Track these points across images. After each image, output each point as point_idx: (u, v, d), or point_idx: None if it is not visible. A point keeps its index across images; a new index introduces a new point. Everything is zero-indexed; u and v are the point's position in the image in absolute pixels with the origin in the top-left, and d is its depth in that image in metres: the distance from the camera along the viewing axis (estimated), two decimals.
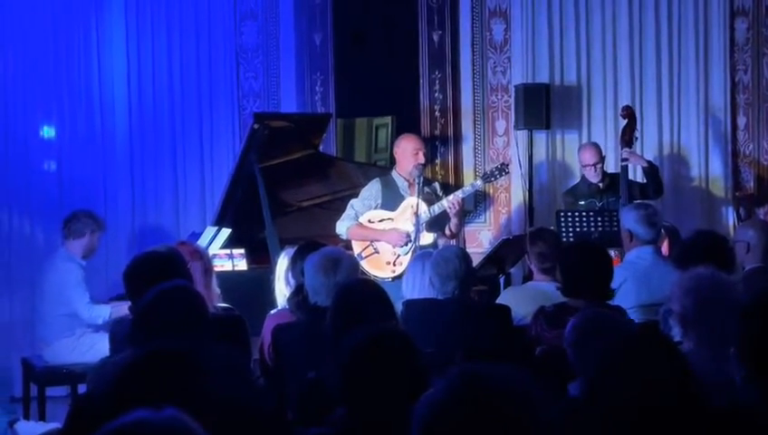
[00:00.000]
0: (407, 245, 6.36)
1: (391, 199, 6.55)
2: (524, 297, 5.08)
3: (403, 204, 6.51)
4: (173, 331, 3.16)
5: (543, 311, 4.45)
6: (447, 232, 6.56)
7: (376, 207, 6.56)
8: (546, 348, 4.29)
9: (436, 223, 6.48)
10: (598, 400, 2.41)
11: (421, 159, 6.52)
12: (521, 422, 1.87)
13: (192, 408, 2.09)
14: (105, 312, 6.37)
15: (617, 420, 2.39)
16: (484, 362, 1.98)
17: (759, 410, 2.89)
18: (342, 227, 6.55)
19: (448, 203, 6.38)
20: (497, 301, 5.31)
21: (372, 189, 6.62)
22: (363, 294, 3.85)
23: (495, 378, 1.90)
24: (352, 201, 6.64)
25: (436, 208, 6.41)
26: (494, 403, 1.86)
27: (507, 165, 6.95)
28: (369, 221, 6.54)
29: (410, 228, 6.37)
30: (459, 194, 6.48)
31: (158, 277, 3.53)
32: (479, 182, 6.90)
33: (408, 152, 6.56)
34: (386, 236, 6.45)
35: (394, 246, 6.42)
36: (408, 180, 6.54)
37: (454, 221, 6.46)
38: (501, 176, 6.82)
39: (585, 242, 5.75)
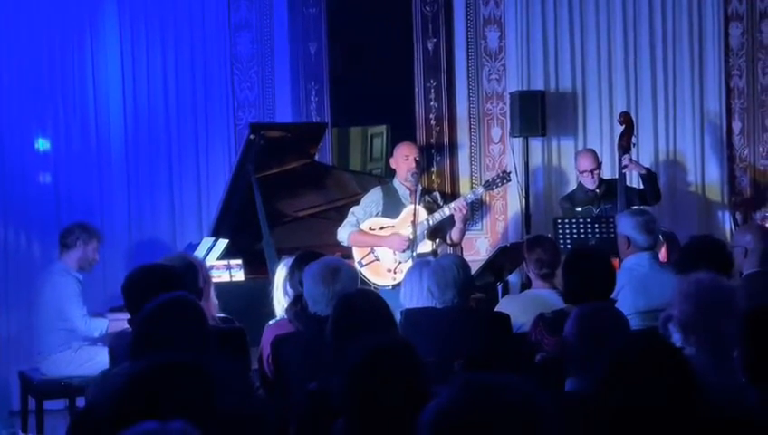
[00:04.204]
0: (409, 249, 6.36)
1: (392, 207, 6.55)
2: (523, 305, 5.07)
3: (404, 212, 6.50)
4: (173, 343, 3.15)
5: (543, 317, 4.44)
6: (449, 240, 6.55)
7: (377, 215, 6.56)
8: (546, 355, 4.28)
9: (438, 230, 6.47)
10: (605, 399, 2.43)
11: (412, 164, 6.50)
12: (527, 431, 1.87)
13: (196, 420, 2.08)
14: (102, 325, 6.34)
15: (621, 421, 2.40)
16: (487, 371, 1.98)
17: (760, 413, 2.89)
18: (344, 233, 6.54)
19: (454, 206, 6.35)
20: (496, 309, 5.30)
21: (374, 196, 6.62)
22: (363, 304, 3.84)
23: (501, 387, 1.89)
24: (353, 208, 6.64)
25: (437, 216, 6.40)
26: (500, 413, 1.86)
27: (509, 173, 6.86)
28: (371, 229, 6.54)
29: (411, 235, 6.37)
30: (463, 200, 6.47)
31: (157, 290, 3.52)
32: (481, 190, 6.89)
33: (399, 159, 6.57)
34: (387, 241, 6.45)
35: (395, 251, 6.42)
36: (409, 188, 6.53)
37: (459, 226, 6.43)
38: (503, 184, 6.80)
39: (588, 248, 5.74)
